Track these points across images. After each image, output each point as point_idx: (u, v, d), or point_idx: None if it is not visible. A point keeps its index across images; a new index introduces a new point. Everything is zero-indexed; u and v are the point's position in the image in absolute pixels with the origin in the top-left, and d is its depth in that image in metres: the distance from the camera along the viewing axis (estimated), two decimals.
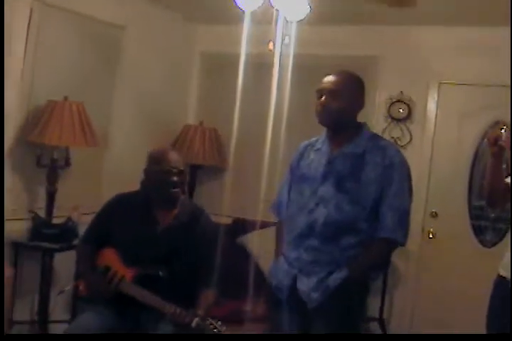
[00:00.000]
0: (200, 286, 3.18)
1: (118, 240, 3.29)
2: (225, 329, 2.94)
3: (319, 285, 2.66)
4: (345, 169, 2.71)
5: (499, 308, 2.91)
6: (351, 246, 2.68)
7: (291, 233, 2.78)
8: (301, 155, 2.92)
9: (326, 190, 2.71)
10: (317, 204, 2.72)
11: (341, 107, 2.72)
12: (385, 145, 2.77)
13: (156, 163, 3.25)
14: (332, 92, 2.71)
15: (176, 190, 3.23)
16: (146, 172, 3.31)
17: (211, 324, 2.94)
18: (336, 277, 2.64)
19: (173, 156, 3.27)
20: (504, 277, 2.89)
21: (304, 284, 2.70)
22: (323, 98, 2.72)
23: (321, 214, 2.70)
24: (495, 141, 2.79)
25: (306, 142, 2.97)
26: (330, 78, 2.77)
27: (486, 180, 3.01)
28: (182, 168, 3.26)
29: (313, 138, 2.93)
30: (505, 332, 2.79)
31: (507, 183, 2.96)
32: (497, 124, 4.76)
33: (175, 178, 3.21)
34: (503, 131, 2.76)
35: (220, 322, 2.95)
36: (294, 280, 2.73)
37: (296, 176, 2.89)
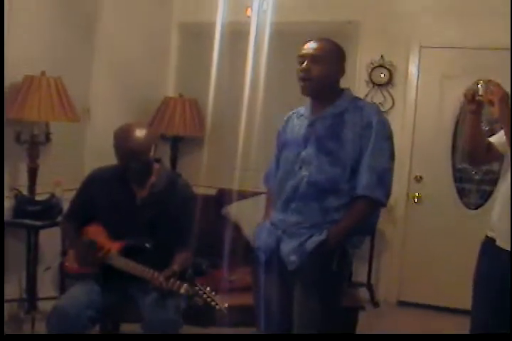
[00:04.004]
0: (177, 248, 3.19)
1: (100, 214, 3.28)
2: (214, 294, 2.93)
3: (298, 248, 2.68)
4: (325, 130, 2.72)
5: (486, 269, 2.92)
6: (334, 209, 2.69)
7: (279, 199, 2.81)
8: (286, 123, 2.95)
9: (308, 152, 2.73)
10: (300, 168, 2.74)
11: (323, 73, 2.72)
12: (363, 105, 2.77)
13: (117, 143, 3.15)
14: (314, 58, 2.71)
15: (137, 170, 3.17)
16: (114, 148, 3.19)
17: (200, 290, 2.94)
18: (314, 240, 2.66)
19: (133, 138, 3.11)
20: (491, 238, 2.89)
21: (286, 245, 2.72)
22: (304, 63, 2.71)
23: (303, 176, 2.72)
24: (472, 97, 2.76)
25: (292, 111, 2.97)
26: (312, 44, 2.76)
27: (465, 138, 2.98)
28: (143, 150, 3.12)
29: (300, 107, 2.93)
30: (492, 297, 2.82)
31: (489, 142, 2.94)
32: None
33: (133, 164, 3.13)
34: (479, 86, 2.72)
35: (208, 288, 2.95)
36: (278, 241, 2.75)
37: (282, 143, 2.91)
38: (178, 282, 2.97)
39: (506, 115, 2.66)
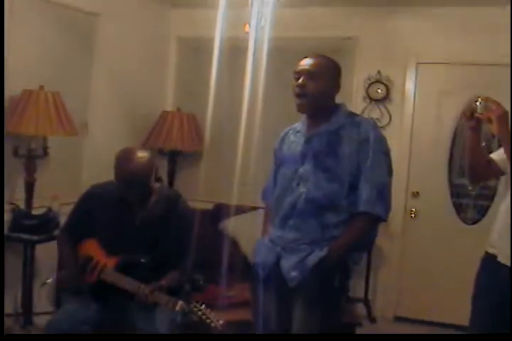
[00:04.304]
0: (172, 265, 3.19)
1: (98, 230, 3.26)
2: (209, 311, 2.92)
3: (299, 264, 2.68)
4: (322, 147, 2.73)
5: (486, 284, 2.92)
6: (333, 225, 2.69)
7: (277, 215, 2.81)
8: (282, 140, 2.96)
9: (306, 169, 2.73)
10: (298, 184, 2.74)
11: (319, 89, 2.73)
12: (359, 121, 2.78)
13: (119, 168, 3.15)
14: (310, 74, 2.73)
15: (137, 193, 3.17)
16: (115, 172, 3.19)
17: (195, 307, 2.93)
18: (315, 255, 2.66)
19: (133, 164, 3.11)
20: (491, 254, 2.89)
21: (286, 261, 2.72)
22: (301, 79, 2.73)
23: (301, 193, 2.72)
24: (471, 115, 2.77)
25: (288, 127, 2.98)
26: (308, 60, 2.78)
27: (466, 156, 2.99)
28: (145, 175, 3.13)
29: (296, 124, 2.94)
30: (493, 310, 2.81)
31: (490, 158, 2.95)
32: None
33: (134, 189, 3.14)
34: (477, 103, 2.73)
35: (204, 305, 2.94)
36: (278, 257, 2.75)
37: (279, 160, 2.92)
38: (173, 299, 2.96)
39: (506, 133, 2.67)
